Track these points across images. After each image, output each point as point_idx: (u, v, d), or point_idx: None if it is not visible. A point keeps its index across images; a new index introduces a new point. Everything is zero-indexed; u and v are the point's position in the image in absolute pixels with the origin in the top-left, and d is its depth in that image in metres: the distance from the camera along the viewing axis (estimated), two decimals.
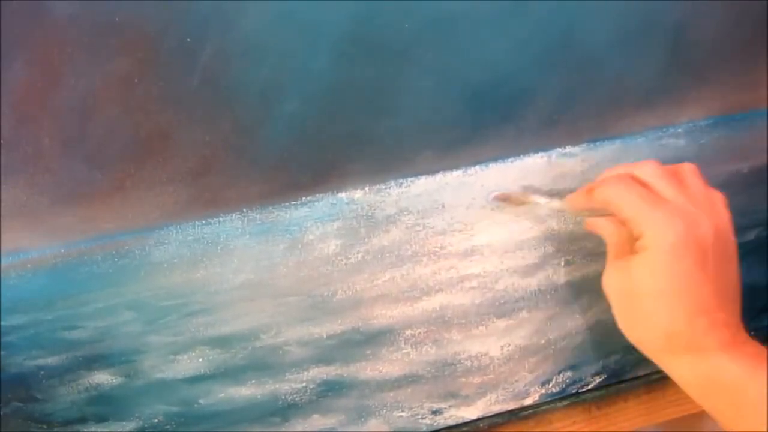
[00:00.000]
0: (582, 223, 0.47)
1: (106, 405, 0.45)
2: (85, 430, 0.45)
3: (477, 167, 0.46)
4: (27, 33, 0.36)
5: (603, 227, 0.43)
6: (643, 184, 0.39)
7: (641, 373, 0.54)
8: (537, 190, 0.47)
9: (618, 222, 0.41)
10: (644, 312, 0.37)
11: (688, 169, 0.41)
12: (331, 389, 0.48)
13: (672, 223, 0.36)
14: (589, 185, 0.40)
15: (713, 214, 0.38)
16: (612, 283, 0.39)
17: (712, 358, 0.36)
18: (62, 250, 0.41)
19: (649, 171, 0.39)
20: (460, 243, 0.47)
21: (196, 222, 0.43)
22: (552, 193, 0.45)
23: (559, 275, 0.50)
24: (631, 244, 0.38)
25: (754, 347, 0.37)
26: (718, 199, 0.40)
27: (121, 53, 0.38)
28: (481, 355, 0.50)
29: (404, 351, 0.48)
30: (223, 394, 0.46)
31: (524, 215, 0.48)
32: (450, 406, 0.51)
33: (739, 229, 0.53)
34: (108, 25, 0.37)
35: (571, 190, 0.46)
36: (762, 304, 0.57)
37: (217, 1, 0.38)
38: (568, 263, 0.50)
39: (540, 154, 0.47)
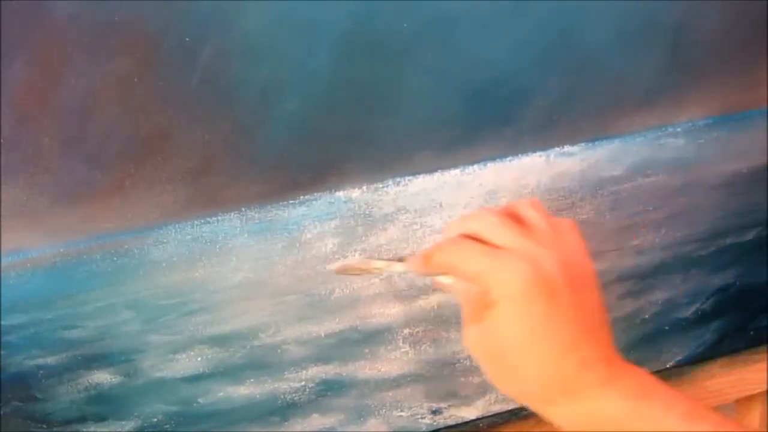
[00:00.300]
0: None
1: (105, 404, 0.45)
2: (84, 429, 0.45)
3: (475, 166, 0.46)
4: (27, 33, 0.37)
5: (451, 287, 0.40)
6: (477, 237, 0.37)
7: None
8: (376, 256, 0.46)
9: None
10: (511, 365, 0.35)
11: (526, 204, 0.39)
12: (330, 388, 0.48)
13: (513, 268, 0.34)
14: (425, 252, 0.38)
15: (559, 245, 0.36)
16: (473, 343, 0.36)
17: (591, 399, 0.34)
18: (62, 250, 0.42)
19: (482, 221, 0.37)
20: None
21: (195, 221, 0.43)
22: (394, 257, 0.42)
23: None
24: (483, 299, 0.36)
25: (633, 378, 0.35)
26: (566, 227, 0.38)
27: (121, 53, 0.38)
28: None
29: (403, 350, 0.48)
30: (222, 393, 0.46)
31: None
32: (450, 406, 0.51)
33: (739, 228, 0.54)
34: (108, 25, 0.37)
35: (573, 190, 0.47)
36: (762, 304, 0.57)
37: (217, 1, 0.38)
38: None
39: (538, 154, 0.47)
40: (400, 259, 0.41)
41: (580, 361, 0.34)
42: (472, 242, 0.36)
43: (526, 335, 0.34)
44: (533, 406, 0.36)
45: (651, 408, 0.34)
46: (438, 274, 0.39)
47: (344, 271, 0.42)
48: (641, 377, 0.35)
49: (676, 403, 0.34)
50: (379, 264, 0.42)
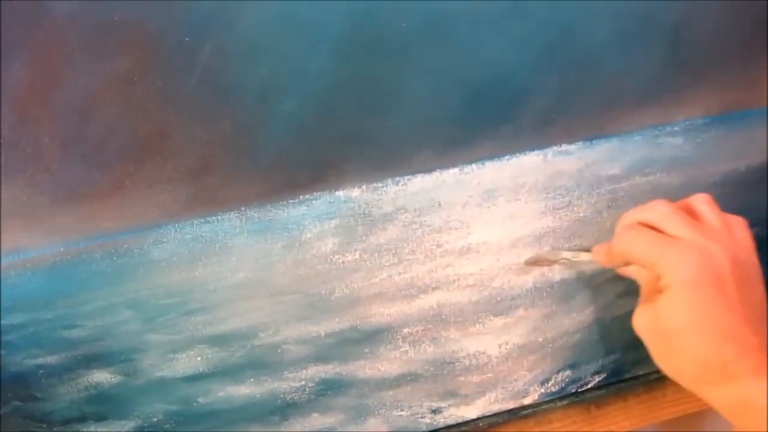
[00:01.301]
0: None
1: (105, 404, 0.45)
2: (84, 429, 0.45)
3: (473, 165, 0.47)
4: (27, 33, 0.37)
5: (633, 273, 0.45)
6: (653, 227, 0.40)
7: (641, 372, 0.54)
8: (563, 247, 0.49)
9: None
10: (675, 348, 0.38)
11: (700, 200, 0.42)
12: (330, 388, 0.48)
13: (686, 258, 0.37)
14: (606, 245, 0.42)
15: (729, 241, 0.39)
16: (641, 324, 0.40)
17: (746, 385, 0.37)
18: (61, 249, 0.42)
19: (657, 212, 0.41)
20: (456, 241, 0.48)
21: (195, 221, 0.43)
22: (577, 247, 0.47)
23: (556, 273, 0.50)
24: (656, 284, 0.39)
25: None
26: (737, 224, 0.41)
27: (120, 53, 0.38)
28: (480, 354, 0.50)
29: (402, 349, 0.48)
30: (221, 393, 0.46)
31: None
32: (449, 405, 0.51)
33: None
34: (108, 24, 0.38)
35: (570, 189, 0.47)
36: None
37: (217, 1, 0.38)
38: (564, 260, 0.50)
39: (536, 153, 0.48)
40: (586, 250, 0.46)
41: (738, 350, 0.37)
42: (649, 231, 0.40)
43: (692, 321, 0.37)
44: (690, 386, 0.39)
45: None
46: (620, 264, 0.43)
47: (535, 263, 0.47)
48: None
49: None
50: (567, 255, 0.47)
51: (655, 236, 0.39)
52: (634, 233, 0.40)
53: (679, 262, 0.38)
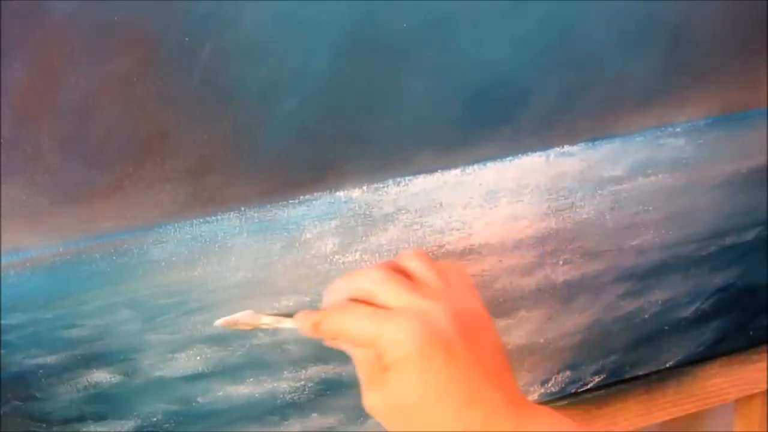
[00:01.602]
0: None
1: (104, 403, 0.45)
2: (83, 428, 0.45)
3: (475, 166, 0.46)
4: (27, 33, 0.37)
5: (345, 347, 0.39)
6: (365, 298, 0.36)
7: (641, 372, 0.54)
8: (267, 311, 0.42)
9: None
10: (416, 424, 0.34)
11: (410, 256, 0.38)
12: (329, 388, 0.48)
13: (405, 329, 0.34)
14: (314, 318, 0.37)
15: (447, 295, 0.36)
16: (374, 407, 0.36)
17: None
18: (61, 249, 0.42)
19: (369, 279, 0.37)
20: (458, 242, 0.47)
21: (195, 220, 0.43)
22: (283, 313, 0.41)
23: (557, 274, 0.50)
24: (378, 363, 0.35)
25: (543, 421, 0.35)
26: (452, 271, 0.38)
27: (120, 53, 0.38)
28: None
29: None
30: (221, 393, 0.46)
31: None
32: None
33: (739, 229, 0.54)
34: (107, 24, 0.37)
35: (573, 190, 0.47)
36: (762, 304, 0.57)
37: (217, 1, 0.38)
38: (566, 262, 0.50)
39: (538, 153, 0.47)
40: (290, 315, 0.40)
41: (486, 412, 0.34)
42: (360, 306, 0.36)
43: (427, 394, 0.34)
44: None
45: None
46: (329, 339, 0.38)
47: (232, 326, 0.41)
48: (552, 419, 0.35)
49: None
50: (267, 320, 0.41)
51: (368, 311, 0.35)
52: (345, 311, 0.36)
53: (397, 334, 0.34)
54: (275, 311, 0.42)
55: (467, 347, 0.35)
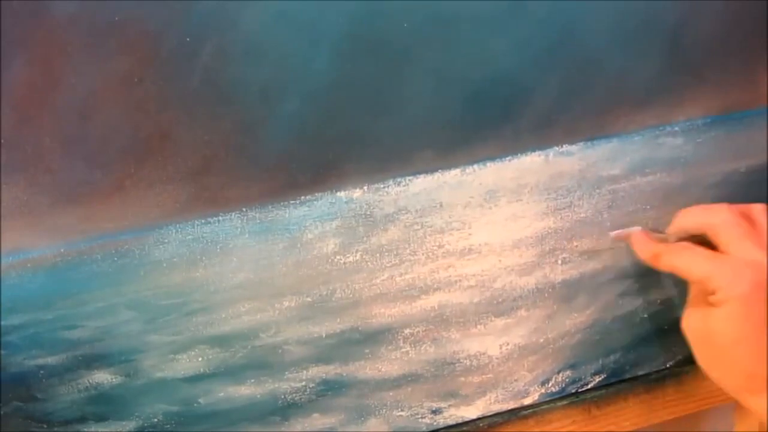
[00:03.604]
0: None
1: (105, 404, 0.45)
2: (85, 429, 0.45)
3: (475, 166, 0.47)
4: (27, 33, 0.37)
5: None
6: (712, 231, 0.42)
7: (641, 372, 0.54)
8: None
9: None
10: (723, 357, 0.40)
11: (758, 210, 0.43)
12: (330, 388, 0.48)
13: (739, 275, 0.39)
14: (655, 249, 0.43)
15: None
16: (692, 328, 0.42)
17: None
18: (62, 250, 0.42)
19: (720, 219, 0.41)
20: (458, 242, 0.48)
21: (196, 221, 0.43)
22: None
23: (557, 273, 0.50)
24: (708, 297, 0.40)
25: None
26: None
27: (121, 53, 0.38)
28: (480, 354, 0.50)
29: (403, 350, 0.48)
30: (222, 394, 0.46)
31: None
32: (449, 406, 0.51)
33: None
34: (108, 24, 0.37)
35: (571, 189, 0.47)
36: None
37: (217, 1, 0.38)
38: (565, 261, 0.50)
39: (537, 153, 0.48)
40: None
41: None
42: (699, 248, 0.41)
43: (742, 336, 0.39)
44: (732, 393, 0.41)
45: None
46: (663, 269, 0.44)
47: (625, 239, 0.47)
48: None
49: None
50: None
51: (707, 254, 0.41)
52: (685, 252, 0.41)
53: (733, 279, 0.39)
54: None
55: None
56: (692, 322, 0.42)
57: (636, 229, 0.46)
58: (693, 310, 0.42)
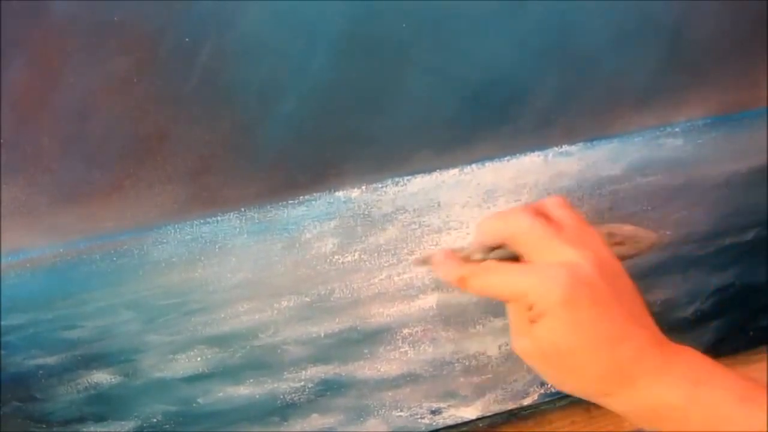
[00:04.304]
0: None
1: (105, 404, 0.45)
2: (84, 429, 0.45)
3: (473, 166, 0.47)
4: (27, 33, 0.37)
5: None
6: (513, 241, 0.38)
7: None
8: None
9: None
10: (567, 368, 0.37)
11: (554, 204, 0.40)
12: (329, 388, 0.48)
13: (551, 282, 0.36)
14: (461, 274, 0.39)
15: (590, 243, 0.38)
16: (524, 350, 0.38)
17: (648, 388, 0.35)
18: (61, 250, 0.42)
19: (514, 224, 0.38)
20: (456, 241, 0.48)
21: (195, 221, 0.43)
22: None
23: None
24: (528, 314, 0.37)
25: (687, 361, 0.36)
26: (590, 232, 0.39)
27: (120, 53, 0.38)
28: (479, 355, 0.50)
29: (402, 350, 0.48)
30: (221, 393, 0.46)
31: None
32: (449, 406, 0.51)
33: (739, 229, 0.54)
34: (107, 25, 0.38)
35: (571, 190, 0.47)
36: (762, 304, 0.57)
37: (216, 2, 0.38)
38: None
39: (536, 153, 0.48)
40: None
41: (633, 351, 0.36)
42: (504, 265, 0.38)
43: (578, 339, 0.36)
44: (594, 399, 0.38)
45: (707, 392, 0.35)
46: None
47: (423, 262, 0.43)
48: (695, 360, 0.37)
49: (731, 385, 0.35)
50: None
51: (515, 269, 0.37)
52: (490, 273, 0.38)
53: (546, 287, 0.36)
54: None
55: (611, 292, 0.36)
56: (522, 345, 0.38)
57: (437, 251, 0.41)
58: (518, 332, 0.38)
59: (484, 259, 0.40)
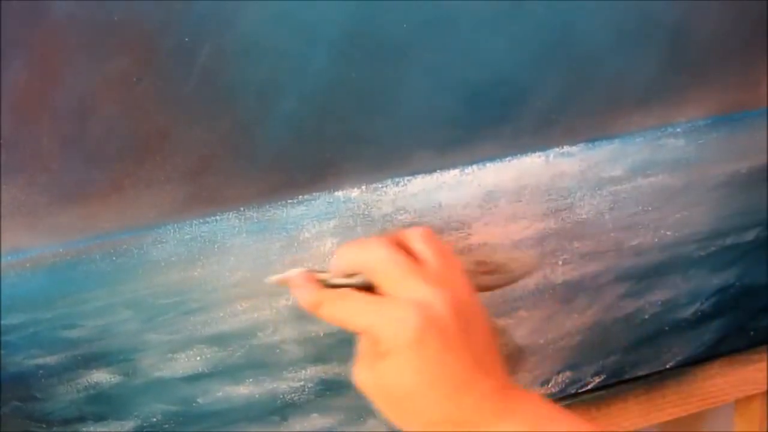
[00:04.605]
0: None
1: (104, 404, 0.45)
2: (83, 428, 0.45)
3: (474, 166, 0.46)
4: (27, 33, 0.37)
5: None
6: (369, 272, 0.38)
7: (641, 373, 0.54)
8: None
9: None
10: (408, 409, 0.36)
11: (419, 237, 0.39)
12: (329, 388, 0.48)
13: (403, 319, 0.35)
14: (313, 299, 0.38)
15: (449, 281, 0.37)
16: (365, 383, 0.37)
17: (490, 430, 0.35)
18: (61, 249, 0.42)
19: (373, 255, 0.38)
20: (456, 242, 0.47)
21: (194, 220, 0.43)
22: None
23: (557, 274, 0.50)
24: (375, 349, 0.36)
25: (530, 406, 0.36)
26: (451, 255, 0.39)
27: (119, 53, 0.38)
28: None
29: None
30: (221, 393, 0.46)
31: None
32: None
33: (739, 229, 0.54)
34: (107, 24, 0.37)
35: (572, 190, 0.47)
36: (762, 304, 0.57)
37: (216, 1, 0.38)
38: (566, 263, 0.50)
39: (537, 154, 0.47)
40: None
41: (474, 399, 0.35)
42: (359, 295, 0.37)
43: (421, 382, 0.35)
44: None
45: None
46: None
47: (283, 284, 0.41)
48: (540, 405, 0.36)
49: (573, 427, 0.36)
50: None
51: (367, 300, 0.37)
52: (344, 300, 0.37)
53: (395, 325, 0.35)
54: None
55: (462, 336, 0.36)
56: (364, 377, 0.37)
57: (296, 271, 0.40)
58: (362, 363, 0.37)
59: (342, 285, 0.38)
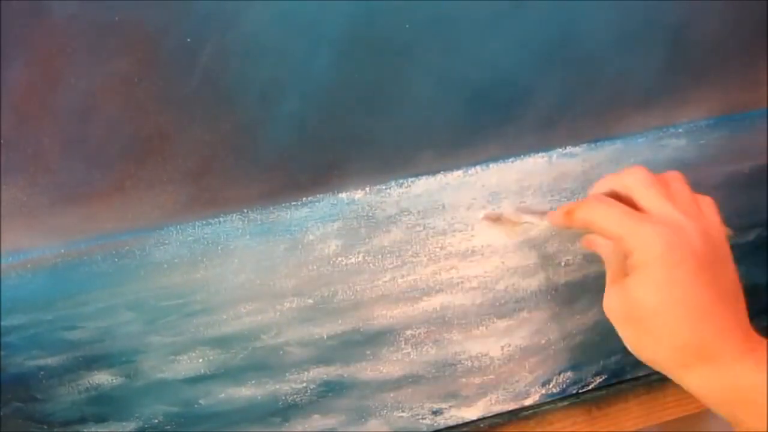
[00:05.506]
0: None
1: (106, 405, 0.45)
2: (85, 430, 0.45)
3: (477, 167, 0.46)
4: (27, 33, 0.36)
5: (600, 246, 0.42)
6: (627, 193, 0.39)
7: (641, 373, 0.54)
8: (527, 209, 0.47)
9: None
10: (649, 330, 0.36)
11: (673, 176, 0.40)
12: (331, 390, 0.48)
13: (658, 234, 0.35)
14: (568, 206, 0.39)
15: (700, 218, 0.38)
16: (612, 307, 0.37)
17: (726, 368, 0.35)
18: (62, 250, 0.41)
19: (636, 178, 0.39)
20: (460, 243, 0.47)
21: (197, 222, 0.43)
22: (542, 212, 0.44)
23: (560, 275, 0.50)
24: (624, 263, 0.37)
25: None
26: (706, 203, 0.39)
27: (121, 53, 0.38)
28: (482, 356, 0.50)
29: (404, 351, 0.48)
30: (223, 395, 0.46)
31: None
32: (450, 407, 0.51)
33: (739, 229, 0.54)
34: (108, 25, 0.37)
35: (575, 191, 0.46)
36: (762, 304, 0.57)
37: (217, 1, 0.38)
38: (568, 264, 0.50)
39: (540, 155, 0.47)
40: (543, 214, 0.43)
41: (716, 330, 0.35)
42: (617, 203, 0.38)
43: (663, 301, 0.35)
44: (667, 372, 0.37)
45: None
46: (579, 230, 0.40)
47: (494, 219, 0.46)
48: None
49: None
50: (528, 218, 0.45)
51: (624, 209, 0.37)
52: (601, 203, 0.38)
53: (651, 237, 0.35)
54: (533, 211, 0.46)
55: (710, 269, 0.36)
56: (611, 300, 0.37)
57: (506, 208, 0.44)
58: (611, 287, 0.38)
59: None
